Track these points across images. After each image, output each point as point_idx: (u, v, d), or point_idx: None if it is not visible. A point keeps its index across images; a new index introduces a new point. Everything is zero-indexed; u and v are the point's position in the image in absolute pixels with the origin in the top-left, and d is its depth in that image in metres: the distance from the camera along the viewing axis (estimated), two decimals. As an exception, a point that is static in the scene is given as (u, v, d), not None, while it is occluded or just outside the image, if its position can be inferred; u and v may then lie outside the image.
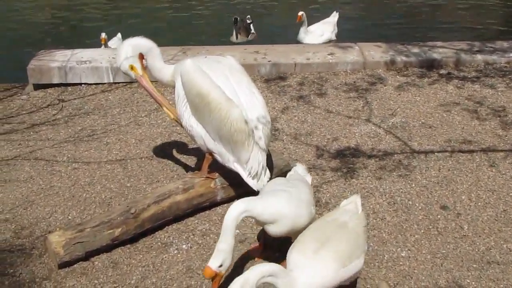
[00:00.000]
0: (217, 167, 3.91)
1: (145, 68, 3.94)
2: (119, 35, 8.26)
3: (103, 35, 7.78)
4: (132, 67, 3.89)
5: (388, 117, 5.22)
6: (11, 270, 3.45)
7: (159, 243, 3.67)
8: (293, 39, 8.25)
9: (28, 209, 4.04)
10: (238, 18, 8.85)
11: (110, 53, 6.27)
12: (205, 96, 3.61)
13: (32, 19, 10.40)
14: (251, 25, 9.16)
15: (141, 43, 3.92)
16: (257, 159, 3.70)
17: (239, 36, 8.81)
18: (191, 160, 4.59)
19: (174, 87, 3.86)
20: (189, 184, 3.86)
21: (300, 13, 8.19)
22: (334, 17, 8.57)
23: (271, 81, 5.95)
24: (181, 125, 3.92)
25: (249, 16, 9.27)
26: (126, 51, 3.89)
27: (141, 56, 3.90)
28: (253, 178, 3.73)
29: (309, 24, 8.41)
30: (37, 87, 6.05)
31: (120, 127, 5.16)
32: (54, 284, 3.33)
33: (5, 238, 3.74)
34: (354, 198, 3.18)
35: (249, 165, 3.70)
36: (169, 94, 5.45)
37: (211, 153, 3.83)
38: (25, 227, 3.85)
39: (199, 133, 3.76)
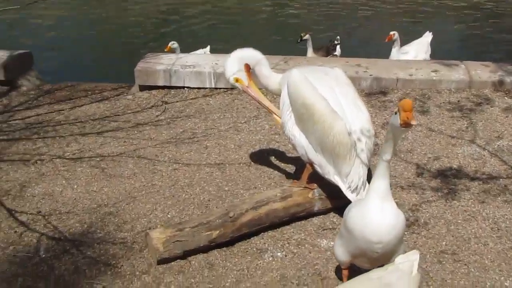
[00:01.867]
0: (316, 178, 3.91)
1: (251, 76, 3.99)
2: (208, 47, 8.44)
3: (170, 44, 8.05)
4: (237, 80, 3.96)
5: (494, 140, 5.00)
6: (113, 262, 3.59)
7: (254, 249, 3.70)
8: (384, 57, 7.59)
9: (131, 204, 4.20)
10: (304, 36, 8.41)
11: (214, 59, 6.42)
12: (309, 106, 3.62)
13: (142, 24, 10.90)
14: (338, 47, 8.77)
15: (247, 54, 3.98)
16: (358, 173, 3.68)
17: (314, 55, 8.34)
18: (288, 169, 4.60)
19: (280, 95, 3.89)
20: (288, 193, 3.87)
21: (392, 33, 7.83)
22: (427, 37, 8.10)
23: (372, 95, 5.87)
24: None
25: (338, 37, 8.97)
26: (232, 63, 3.96)
27: (247, 67, 3.95)
28: (352, 192, 3.70)
29: (403, 44, 7.95)
30: (143, 88, 6.29)
31: (220, 132, 5.27)
32: (153, 279, 3.43)
33: (109, 230, 3.90)
34: (411, 256, 2.65)
35: (350, 178, 3.68)
36: (273, 100, 5.48)
37: (311, 164, 3.83)
38: (127, 221, 4.00)
39: (301, 143, 3.77)
